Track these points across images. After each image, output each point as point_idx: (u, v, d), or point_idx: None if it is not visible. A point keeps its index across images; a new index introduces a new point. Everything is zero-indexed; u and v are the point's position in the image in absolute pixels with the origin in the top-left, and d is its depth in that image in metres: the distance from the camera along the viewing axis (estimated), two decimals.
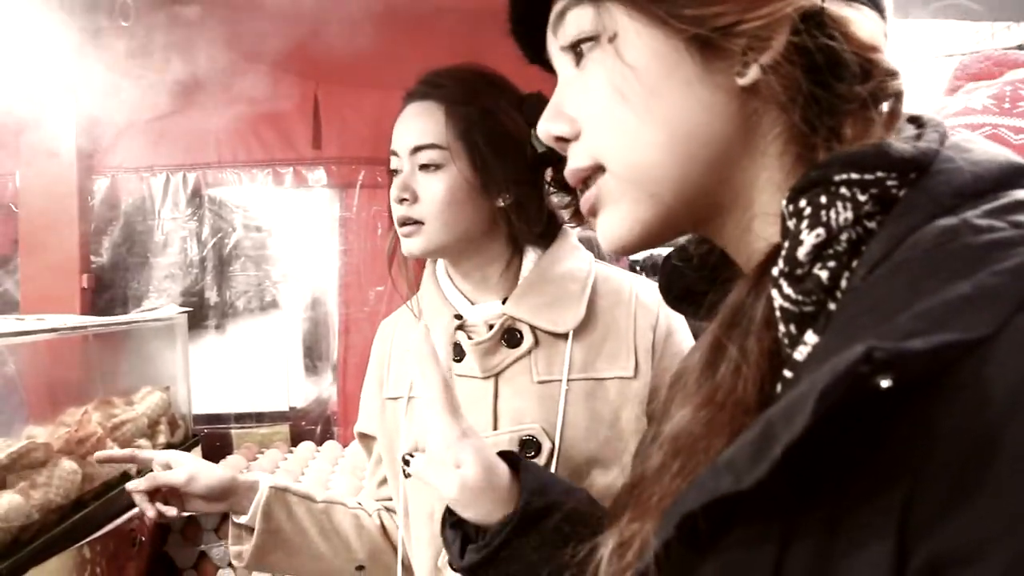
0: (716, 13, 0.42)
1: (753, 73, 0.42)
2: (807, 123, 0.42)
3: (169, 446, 1.97)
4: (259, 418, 2.42)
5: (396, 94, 2.65)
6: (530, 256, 1.03)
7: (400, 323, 1.11)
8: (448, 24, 2.09)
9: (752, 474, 0.32)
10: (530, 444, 0.95)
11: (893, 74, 0.41)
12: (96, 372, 1.98)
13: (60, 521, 1.42)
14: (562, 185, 1.02)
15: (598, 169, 0.47)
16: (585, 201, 0.48)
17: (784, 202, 0.39)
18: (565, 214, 1.04)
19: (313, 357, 2.46)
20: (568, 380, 0.96)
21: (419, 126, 0.95)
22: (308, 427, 2.45)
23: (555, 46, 0.50)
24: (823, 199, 0.38)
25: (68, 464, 1.48)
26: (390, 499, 1.13)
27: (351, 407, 2.43)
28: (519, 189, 0.98)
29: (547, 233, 1.03)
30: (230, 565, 1.81)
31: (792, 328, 0.38)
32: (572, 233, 1.07)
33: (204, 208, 2.42)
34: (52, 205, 2.32)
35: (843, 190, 0.38)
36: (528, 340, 0.98)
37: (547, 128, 0.49)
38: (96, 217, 2.40)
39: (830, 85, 0.41)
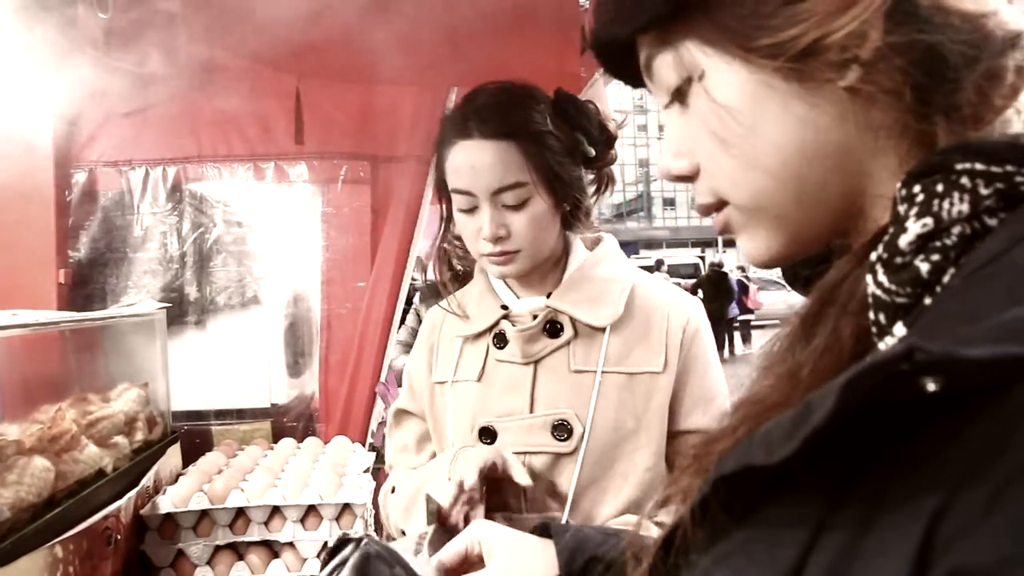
0: (793, 37, 0.40)
1: (852, 74, 0.40)
2: (920, 105, 0.40)
3: (147, 443, 1.96)
4: (240, 415, 2.40)
5: (378, 88, 2.64)
6: (575, 257, 1.13)
7: (448, 312, 1.19)
8: (429, 17, 2.07)
9: (781, 451, 0.32)
10: (562, 427, 1.04)
11: (1013, 39, 0.38)
12: (72, 368, 1.96)
13: (32, 520, 1.40)
14: (595, 167, 1.13)
15: (722, 203, 0.47)
16: (717, 224, 0.49)
17: (898, 185, 0.38)
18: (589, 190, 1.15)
19: (295, 354, 2.44)
20: (602, 371, 1.06)
21: (497, 166, 1.01)
22: (290, 424, 2.43)
23: (653, 88, 0.50)
24: (939, 187, 0.36)
25: (41, 462, 1.46)
26: None
27: (333, 403, 2.42)
28: (581, 192, 1.10)
29: (587, 216, 1.15)
30: (208, 563, 1.79)
31: (882, 317, 0.37)
32: (614, 240, 1.18)
33: (184, 203, 2.40)
34: (29, 199, 2.29)
35: (963, 180, 0.36)
36: (568, 331, 1.08)
37: (668, 169, 0.49)
38: (74, 211, 2.37)
39: (938, 63, 0.39)
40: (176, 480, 1.92)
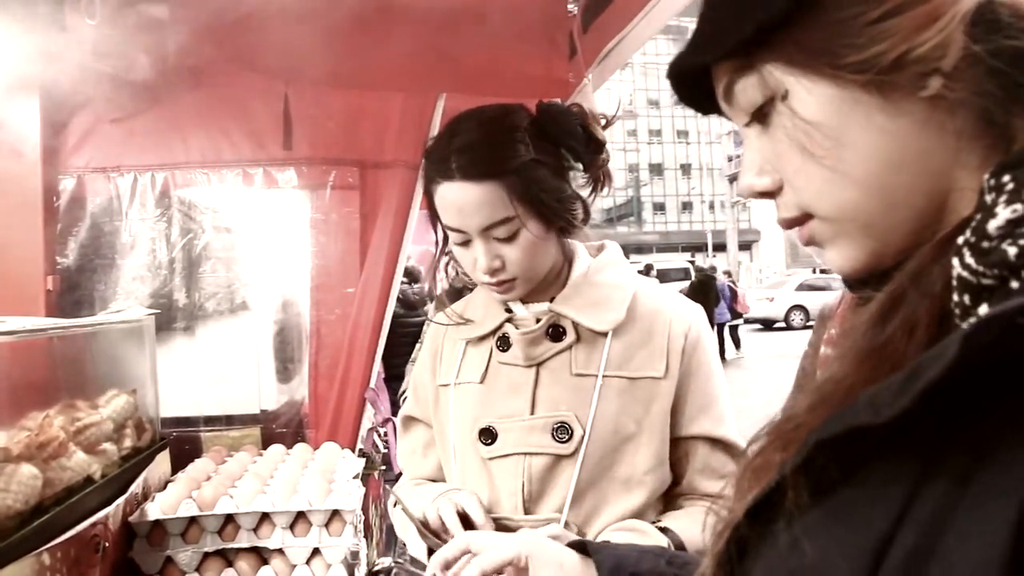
0: (880, 52, 0.42)
1: (935, 83, 0.42)
2: (1002, 106, 0.41)
3: (136, 450, 1.95)
4: (229, 421, 2.40)
5: (366, 94, 2.64)
6: (578, 264, 1.15)
7: (449, 324, 1.22)
8: (417, 22, 2.08)
9: (892, 408, 0.33)
10: (563, 429, 1.06)
11: None
12: (60, 375, 1.95)
13: (19, 527, 1.39)
14: (586, 170, 1.15)
15: (808, 216, 0.49)
16: (801, 237, 0.50)
17: (987, 175, 0.39)
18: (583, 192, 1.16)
19: (284, 360, 2.44)
20: (603, 375, 1.08)
21: (482, 207, 1.03)
22: (279, 430, 2.43)
23: (731, 111, 0.52)
24: None
25: (28, 469, 1.45)
26: (442, 481, 1.23)
27: (322, 409, 2.41)
28: (571, 209, 1.11)
29: (585, 219, 1.16)
30: (197, 570, 1.78)
31: (966, 298, 0.38)
32: (617, 247, 1.20)
33: (173, 209, 2.39)
34: (16, 205, 2.28)
35: None
36: (570, 336, 1.09)
37: (751, 186, 0.51)
38: (62, 218, 2.36)
39: (1019, 67, 0.40)
40: (165, 487, 1.91)
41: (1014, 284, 0.36)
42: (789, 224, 0.50)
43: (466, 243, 1.07)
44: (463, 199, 1.03)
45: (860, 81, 0.43)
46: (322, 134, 2.42)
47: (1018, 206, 0.36)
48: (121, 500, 1.73)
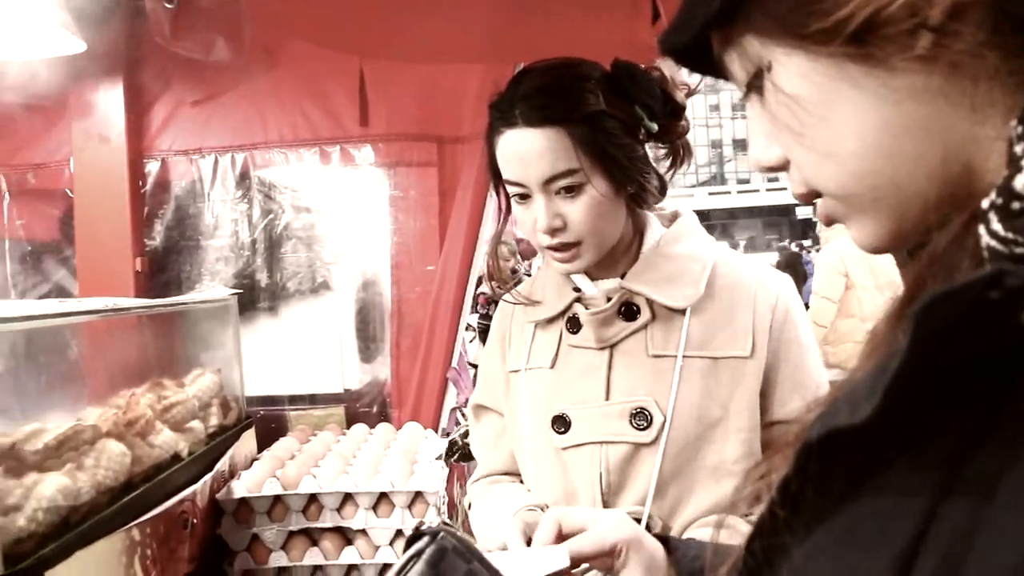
0: (844, 18, 0.37)
1: (924, 42, 0.36)
2: (1014, 55, 0.35)
3: (222, 428, 1.97)
4: (313, 400, 2.41)
5: (443, 68, 2.59)
6: (650, 236, 1.05)
7: (515, 303, 1.14)
8: None
9: (865, 408, 0.30)
10: (641, 416, 0.97)
11: None
12: (149, 354, 1.98)
13: (110, 503, 1.40)
14: (665, 140, 1.05)
15: (816, 193, 0.45)
16: (820, 216, 0.48)
17: (1014, 122, 0.33)
18: (662, 167, 1.07)
19: (366, 339, 2.43)
20: (683, 356, 0.98)
21: (546, 155, 0.94)
22: (363, 409, 2.42)
23: (734, 82, 0.49)
24: None
25: (116, 446, 1.47)
26: (516, 473, 1.16)
27: (405, 389, 2.39)
28: (643, 172, 1.00)
29: (661, 191, 1.07)
30: (282, 548, 1.78)
31: None
32: (692, 215, 1.10)
33: (253, 190, 2.41)
34: (105, 190, 2.34)
35: None
36: (645, 314, 1.00)
37: (758, 160, 0.48)
38: (148, 201, 2.41)
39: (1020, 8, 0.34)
40: (251, 465, 1.92)
41: None
42: (804, 200, 0.47)
43: (527, 199, 0.99)
44: (525, 147, 0.95)
45: (831, 51, 0.39)
46: (398, 110, 2.38)
47: None
48: (208, 477, 1.74)
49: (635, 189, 1.00)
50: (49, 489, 1.24)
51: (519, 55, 2.33)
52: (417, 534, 0.65)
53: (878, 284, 3.62)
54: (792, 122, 0.42)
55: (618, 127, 0.97)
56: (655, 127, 1.01)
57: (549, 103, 0.95)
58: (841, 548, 0.34)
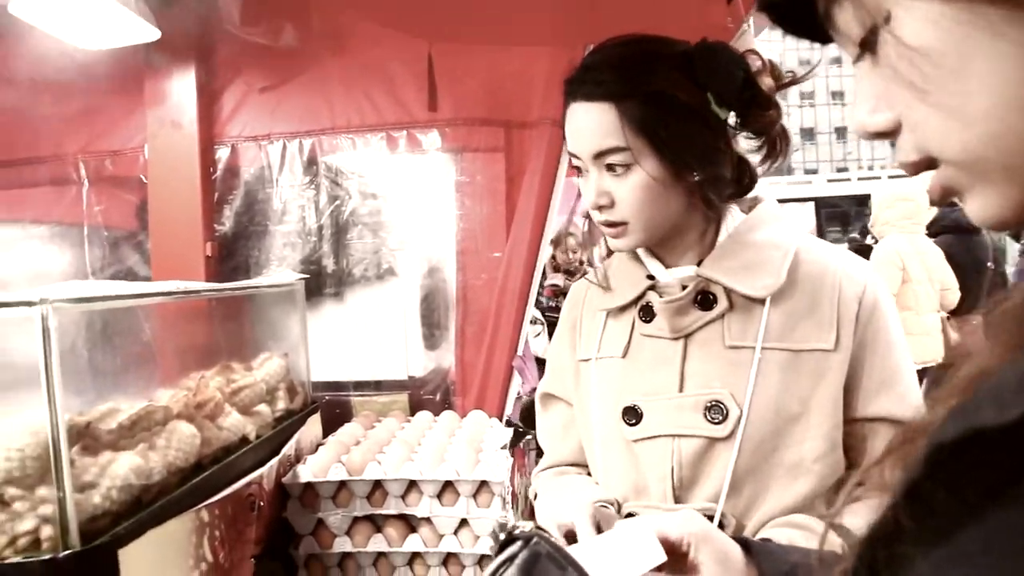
0: None
1: None
2: None
3: (288, 412, 1.97)
4: (378, 386, 2.40)
5: (511, 51, 2.54)
6: (729, 221, 1.00)
7: (591, 286, 1.11)
8: None
9: (1017, 405, 0.27)
10: (716, 409, 0.93)
11: None
12: (218, 337, 2.00)
13: (180, 484, 1.41)
14: (754, 131, 0.99)
15: (931, 161, 0.41)
16: (932, 191, 0.43)
17: None
18: (753, 157, 1.01)
19: (431, 325, 2.41)
20: (762, 348, 0.93)
21: (595, 130, 0.93)
22: (426, 397, 2.41)
23: (839, 43, 0.45)
24: None
25: (187, 427, 1.47)
26: (583, 464, 1.13)
27: (469, 377, 2.36)
28: (710, 160, 0.95)
29: (746, 186, 1.02)
30: (347, 533, 1.78)
31: None
32: (774, 201, 1.05)
33: (320, 176, 2.41)
34: (177, 176, 2.38)
35: None
36: (722, 303, 0.96)
37: (862, 125, 0.44)
38: (218, 187, 2.44)
39: None
40: (316, 450, 1.93)
41: None
42: (913, 170, 0.43)
43: (584, 172, 0.98)
44: (579, 120, 0.95)
45: None
46: (466, 95, 2.35)
47: None
48: (275, 461, 1.75)
49: (702, 177, 0.95)
50: (123, 468, 1.25)
51: (589, 37, 2.27)
52: (510, 538, 0.63)
53: (931, 279, 3.71)
54: (915, 77, 0.38)
55: (681, 110, 0.93)
56: (724, 114, 0.96)
57: (604, 78, 0.93)
58: (978, 562, 0.30)
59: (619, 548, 0.69)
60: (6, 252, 2.67)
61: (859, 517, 0.90)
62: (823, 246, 1.01)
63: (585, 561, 0.61)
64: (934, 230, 4.00)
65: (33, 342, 1.08)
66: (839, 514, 0.93)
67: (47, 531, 1.10)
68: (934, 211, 3.97)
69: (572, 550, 0.66)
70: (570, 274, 4.00)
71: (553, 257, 4.08)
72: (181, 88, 2.37)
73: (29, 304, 1.09)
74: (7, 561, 1.07)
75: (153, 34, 2.10)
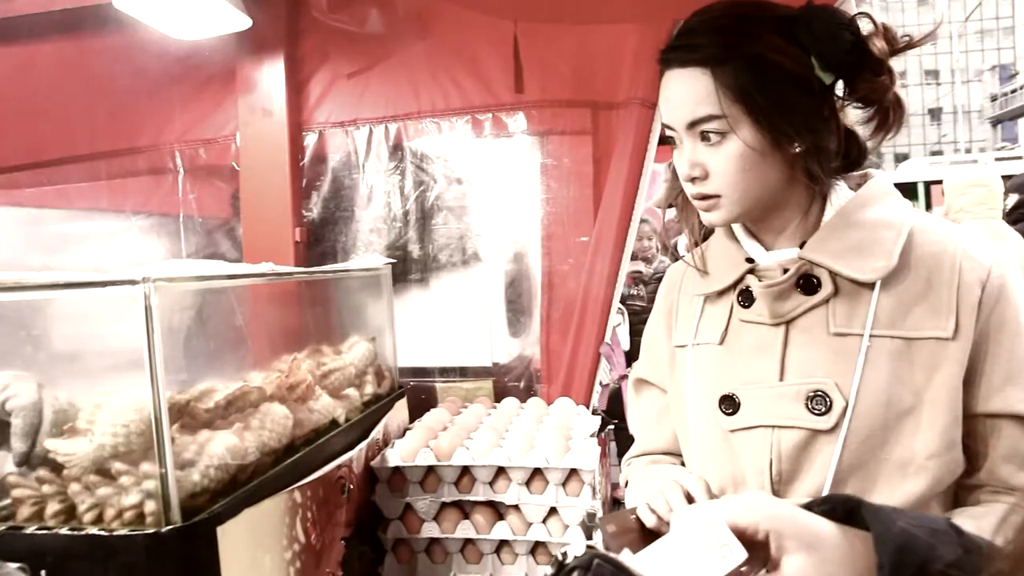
0: None
1: None
2: None
3: (376, 396, 1.97)
4: (463, 372, 2.39)
5: (598, 30, 2.47)
6: (835, 200, 0.94)
7: (688, 270, 1.07)
8: None
9: None
10: (819, 400, 0.87)
11: None
12: (308, 321, 2.02)
13: (273, 464, 1.42)
14: (865, 100, 0.92)
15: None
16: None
17: None
18: (864, 130, 0.94)
19: (516, 311, 2.38)
20: (871, 335, 0.87)
21: (689, 98, 0.88)
22: (511, 383, 2.38)
23: None
24: None
25: (280, 409, 1.48)
26: (677, 453, 1.10)
27: (555, 364, 2.32)
28: (813, 129, 0.89)
29: (855, 160, 0.96)
30: (435, 519, 1.77)
31: None
32: (885, 177, 0.98)
33: (406, 161, 2.41)
34: (268, 162, 2.42)
35: None
36: (827, 287, 0.90)
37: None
38: (307, 172, 2.46)
39: None
40: (403, 434, 1.92)
41: None
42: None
43: (678, 145, 0.93)
44: (672, 88, 0.91)
45: None
46: (552, 76, 2.30)
47: None
48: (364, 444, 1.75)
49: (803, 147, 0.89)
50: (220, 447, 1.26)
51: (678, 12, 2.18)
52: (567, 566, 0.58)
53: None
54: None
55: (781, 75, 0.86)
56: (830, 79, 0.89)
57: (698, 43, 0.88)
58: None
59: (690, 551, 0.60)
60: (110, 242, 2.78)
61: (981, 521, 0.81)
62: (942, 224, 0.92)
63: (652, 565, 0.56)
64: (1014, 217, 3.74)
65: (136, 320, 1.10)
66: (956, 514, 0.86)
67: (151, 506, 1.12)
68: (1013, 198, 3.70)
69: (637, 562, 0.60)
70: (647, 261, 3.90)
71: None
72: (271, 76, 2.40)
73: (132, 283, 1.10)
74: (115, 533, 1.10)
75: (245, 23, 2.13)
